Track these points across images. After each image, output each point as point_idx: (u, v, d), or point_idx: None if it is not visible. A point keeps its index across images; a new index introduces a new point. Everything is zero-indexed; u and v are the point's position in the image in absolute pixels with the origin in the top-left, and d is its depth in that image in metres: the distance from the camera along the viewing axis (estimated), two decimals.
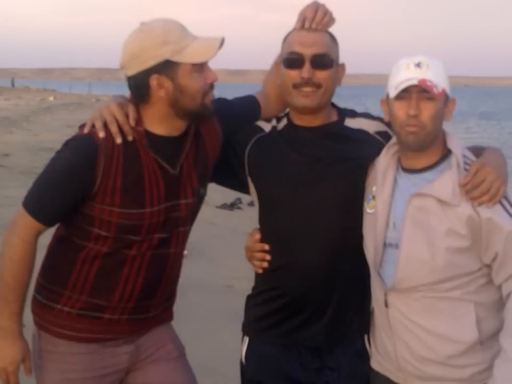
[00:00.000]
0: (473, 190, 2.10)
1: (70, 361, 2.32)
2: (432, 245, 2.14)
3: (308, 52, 2.34)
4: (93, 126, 2.22)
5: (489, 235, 2.10)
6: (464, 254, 2.13)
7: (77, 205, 2.22)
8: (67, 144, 2.24)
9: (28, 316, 2.36)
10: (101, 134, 2.18)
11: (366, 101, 58.20)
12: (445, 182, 2.14)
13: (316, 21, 2.36)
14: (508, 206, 2.12)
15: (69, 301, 2.30)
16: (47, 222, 2.23)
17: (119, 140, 2.19)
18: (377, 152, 2.34)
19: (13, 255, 2.22)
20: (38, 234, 2.24)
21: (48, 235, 2.36)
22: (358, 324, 2.45)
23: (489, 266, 2.16)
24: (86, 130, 2.21)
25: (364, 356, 2.44)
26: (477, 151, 2.25)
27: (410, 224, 2.18)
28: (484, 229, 2.10)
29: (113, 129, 2.20)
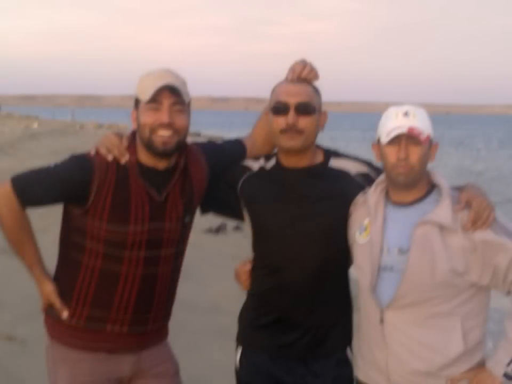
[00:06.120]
0: (471, 217, 2.30)
1: (79, 367, 2.53)
2: (434, 265, 2.31)
3: (292, 100, 2.57)
4: (98, 151, 2.48)
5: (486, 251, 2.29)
6: (463, 275, 2.32)
7: (66, 203, 2.48)
8: (71, 157, 2.49)
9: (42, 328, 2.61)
10: (109, 158, 2.45)
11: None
12: (444, 209, 2.34)
13: (302, 75, 2.62)
14: (500, 224, 2.32)
15: (75, 314, 2.52)
16: (24, 198, 2.43)
17: (110, 158, 2.45)
18: (358, 191, 2.59)
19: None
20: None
21: (49, 239, 2.55)
22: (341, 338, 2.67)
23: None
24: (91, 153, 2.48)
25: (348, 363, 2.66)
26: (458, 187, 2.46)
27: (416, 249, 2.35)
28: (479, 249, 2.29)
29: (114, 152, 2.47)
